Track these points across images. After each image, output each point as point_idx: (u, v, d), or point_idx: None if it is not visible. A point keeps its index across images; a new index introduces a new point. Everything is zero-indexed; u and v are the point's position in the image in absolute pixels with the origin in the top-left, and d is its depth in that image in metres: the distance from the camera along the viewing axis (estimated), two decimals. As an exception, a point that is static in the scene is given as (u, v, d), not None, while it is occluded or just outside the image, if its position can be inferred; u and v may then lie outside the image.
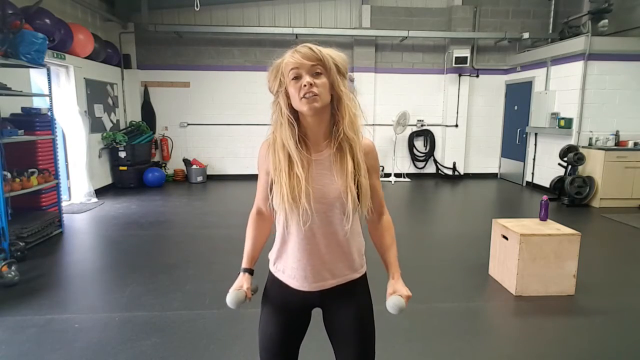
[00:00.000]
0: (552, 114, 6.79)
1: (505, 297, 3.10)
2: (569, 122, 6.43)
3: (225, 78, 7.91)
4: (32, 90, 4.86)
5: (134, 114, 7.76)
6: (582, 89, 6.29)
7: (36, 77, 4.95)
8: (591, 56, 6.18)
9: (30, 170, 4.11)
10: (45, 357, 2.30)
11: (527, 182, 7.67)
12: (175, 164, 8.07)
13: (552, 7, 7.77)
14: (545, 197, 3.29)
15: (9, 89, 4.02)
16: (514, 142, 7.97)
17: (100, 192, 6.45)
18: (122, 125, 7.52)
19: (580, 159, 6.04)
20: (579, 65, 6.30)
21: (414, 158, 8.44)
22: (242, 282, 1.28)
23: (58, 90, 5.63)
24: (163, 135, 8.01)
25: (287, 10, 7.85)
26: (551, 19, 7.82)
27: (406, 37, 7.76)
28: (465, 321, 2.77)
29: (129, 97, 7.69)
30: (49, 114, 4.41)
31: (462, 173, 8.39)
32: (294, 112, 1.17)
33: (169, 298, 3.03)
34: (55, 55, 5.37)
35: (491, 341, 2.58)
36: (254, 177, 1.42)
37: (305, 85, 1.10)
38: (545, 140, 7.15)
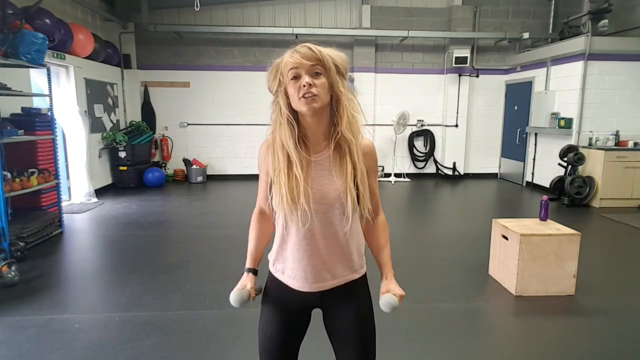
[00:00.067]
0: (552, 114, 6.79)
1: (505, 297, 3.10)
2: (569, 122, 6.43)
3: (225, 78, 7.91)
4: (32, 90, 4.86)
5: (134, 114, 7.77)
6: (582, 89, 6.29)
7: (36, 77, 4.96)
8: (591, 56, 6.18)
9: (30, 170, 4.11)
10: (45, 357, 2.30)
11: (527, 182, 7.67)
12: (175, 164, 8.08)
13: (552, 7, 7.78)
14: (545, 197, 3.29)
15: (9, 89, 4.02)
16: (514, 142, 7.97)
17: (100, 192, 6.45)
18: (122, 125, 7.52)
19: (580, 159, 6.04)
20: (579, 65, 6.30)
21: (414, 158, 8.44)
22: (246, 281, 1.28)
23: (58, 90, 5.63)
24: (163, 135, 8.01)
25: (287, 10, 7.85)
26: (551, 19, 7.82)
27: (406, 37, 7.76)
28: (465, 321, 2.77)
29: (129, 97, 7.69)
30: (49, 114, 4.41)
31: (462, 173, 8.39)
32: (294, 112, 1.16)
33: (169, 298, 3.03)
34: (55, 55, 5.38)
35: (491, 341, 2.58)
36: (254, 177, 1.41)
37: (304, 86, 1.09)
38: (545, 140, 7.15)
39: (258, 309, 1.34)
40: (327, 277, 1.23)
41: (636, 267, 3.79)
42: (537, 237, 3.02)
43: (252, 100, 7.84)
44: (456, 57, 7.67)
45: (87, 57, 6.24)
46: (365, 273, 1.32)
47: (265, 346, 1.29)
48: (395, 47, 8.08)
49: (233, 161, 8.18)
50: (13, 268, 3.23)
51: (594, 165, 6.02)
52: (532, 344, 2.51)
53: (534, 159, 7.46)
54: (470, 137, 8.38)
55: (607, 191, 5.95)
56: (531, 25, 7.94)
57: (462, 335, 2.58)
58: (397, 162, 8.21)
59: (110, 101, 7.12)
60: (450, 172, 8.38)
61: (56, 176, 4.52)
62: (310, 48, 1.11)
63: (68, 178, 6.00)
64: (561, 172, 6.32)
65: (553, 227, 3.17)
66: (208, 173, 8.00)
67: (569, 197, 6.06)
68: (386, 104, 8.12)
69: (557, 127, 6.62)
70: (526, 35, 7.60)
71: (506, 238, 3.20)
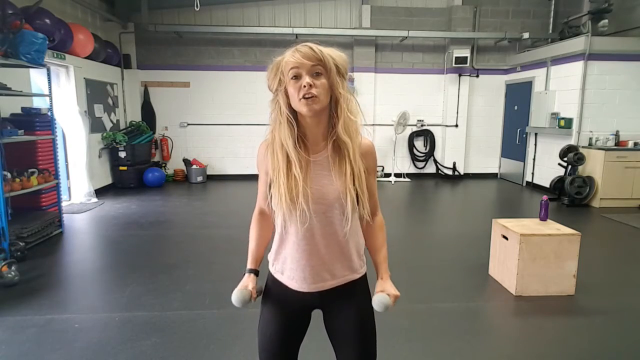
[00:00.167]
0: (552, 114, 6.79)
1: (505, 297, 3.10)
2: (569, 122, 6.43)
3: (225, 78, 7.91)
4: (32, 90, 4.86)
5: (134, 114, 7.77)
6: (582, 89, 6.29)
7: (36, 77, 4.95)
8: (591, 56, 6.18)
9: (30, 170, 4.11)
10: (45, 357, 2.30)
11: (527, 182, 7.67)
12: (175, 164, 8.07)
13: (552, 7, 7.77)
14: (545, 197, 3.29)
15: (9, 89, 4.02)
16: (514, 142, 7.97)
17: (100, 192, 6.45)
18: (122, 125, 7.52)
19: (580, 159, 6.04)
20: (579, 65, 6.30)
21: (414, 158, 8.44)
22: (248, 282, 1.27)
23: (58, 90, 5.63)
24: (163, 135, 8.01)
25: (287, 10, 7.85)
26: (551, 19, 7.82)
27: (406, 37, 7.76)
28: (465, 321, 2.77)
29: (129, 97, 7.69)
30: (49, 114, 4.41)
31: (462, 173, 8.39)
32: (293, 112, 1.16)
33: (169, 298, 3.03)
34: (55, 55, 5.38)
35: (491, 341, 2.58)
36: (254, 177, 1.41)
37: (304, 86, 1.09)
38: (545, 140, 7.15)
39: (258, 309, 1.34)
40: (327, 277, 1.23)
41: (636, 267, 3.79)
42: (537, 237, 3.02)
43: (252, 100, 7.84)
44: (456, 57, 7.67)
45: (87, 57, 6.24)
46: (365, 273, 1.31)
47: (265, 346, 1.29)
48: (395, 47, 8.08)
49: (233, 161, 8.18)
50: (13, 268, 3.23)
51: (594, 165, 6.02)
52: (532, 344, 2.51)
53: (534, 159, 7.46)
54: (470, 137, 8.38)
55: (607, 191, 5.95)
56: (531, 25, 7.94)
57: (462, 335, 2.58)
58: (397, 162, 8.21)
59: (110, 101, 7.12)
60: (450, 172, 8.38)
61: (56, 176, 4.52)
62: (311, 48, 1.11)
63: (68, 178, 6.00)
64: (561, 172, 6.32)
65: (553, 227, 3.17)
66: (208, 173, 8.00)
67: (569, 197, 6.06)
68: (386, 104, 8.12)
69: (557, 127, 6.62)
70: (526, 35, 7.60)
71: (506, 238, 3.20)
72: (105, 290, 3.26)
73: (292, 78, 1.11)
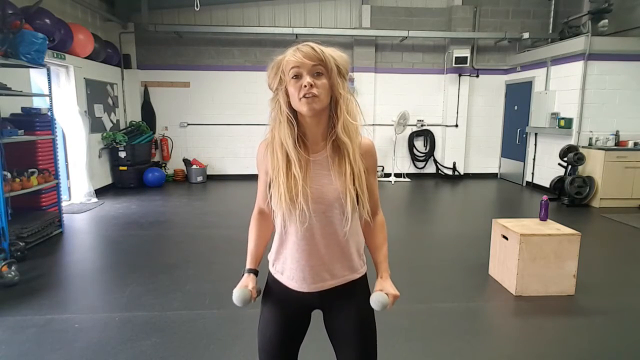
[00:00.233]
0: (552, 114, 6.79)
1: (505, 297, 3.10)
2: (569, 122, 6.43)
3: (225, 78, 7.91)
4: (32, 90, 4.86)
5: (134, 114, 7.77)
6: (582, 89, 6.29)
7: (36, 77, 4.96)
8: (591, 56, 6.18)
9: (30, 170, 4.11)
10: (45, 357, 2.30)
11: (527, 182, 7.67)
12: (175, 164, 8.07)
13: (552, 7, 7.78)
14: (545, 197, 3.29)
15: (9, 89, 4.02)
16: (514, 142, 7.97)
17: (100, 192, 6.45)
18: (122, 125, 7.52)
19: (580, 159, 6.04)
20: (579, 65, 6.30)
21: (414, 158, 8.44)
22: (248, 281, 1.27)
23: (58, 90, 5.63)
24: (163, 135, 8.01)
25: (287, 10, 7.85)
26: (551, 19, 7.82)
27: (406, 37, 7.76)
28: (465, 321, 2.77)
29: (129, 97, 7.69)
30: (49, 114, 4.41)
31: (462, 173, 8.39)
32: (293, 111, 1.16)
33: (169, 298, 3.03)
34: (55, 55, 5.38)
35: (491, 341, 2.58)
36: (254, 177, 1.41)
37: (305, 86, 1.09)
38: (545, 140, 7.15)
39: (258, 309, 1.33)
40: (326, 277, 1.23)
41: (636, 267, 3.79)
42: (537, 237, 3.02)
43: (252, 100, 7.84)
44: (456, 57, 7.67)
45: (87, 57, 6.24)
46: (366, 273, 1.31)
47: (265, 347, 1.28)
48: (395, 47, 8.08)
49: (233, 161, 8.18)
50: (13, 268, 3.23)
51: (594, 165, 6.02)
52: (532, 344, 2.51)
53: (534, 159, 7.46)
54: (470, 137, 8.38)
55: (607, 191, 5.95)
56: (531, 25, 7.94)
57: (462, 335, 2.58)
58: (397, 162, 8.21)
59: (110, 101, 7.12)
60: (450, 172, 8.38)
61: (56, 176, 4.52)
62: (313, 47, 1.10)
63: (68, 178, 6.00)
64: (561, 172, 6.32)
65: (553, 227, 3.17)
66: (208, 173, 8.00)
67: (569, 197, 6.06)
68: (386, 104, 8.12)
69: (557, 127, 6.62)
70: (526, 35, 7.59)
71: (506, 238, 3.20)
72: (105, 290, 3.26)
73: (292, 77, 1.11)
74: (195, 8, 5.85)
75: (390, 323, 2.56)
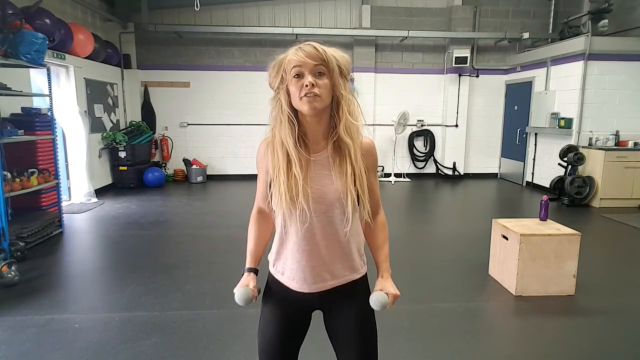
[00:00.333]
0: (552, 114, 6.79)
1: (505, 297, 3.10)
2: (569, 122, 6.43)
3: (225, 78, 7.91)
4: (32, 90, 4.86)
5: (134, 114, 7.76)
6: (582, 89, 6.29)
7: (36, 77, 4.96)
8: (591, 56, 6.18)
9: (30, 170, 4.11)
10: (45, 357, 2.30)
11: (527, 182, 7.67)
12: (175, 164, 8.07)
13: (552, 7, 7.78)
14: (545, 197, 3.29)
15: (9, 89, 4.02)
16: (514, 142, 7.97)
17: (100, 192, 6.45)
18: (122, 125, 7.52)
19: (580, 159, 6.04)
20: (579, 65, 6.30)
21: (414, 158, 8.44)
22: (248, 280, 1.27)
23: (58, 90, 5.63)
24: (163, 135, 8.01)
25: (287, 10, 7.85)
26: (551, 19, 7.82)
27: (406, 37, 7.76)
28: (465, 321, 2.77)
29: (129, 97, 7.69)
30: (49, 114, 4.41)
31: (462, 173, 8.39)
32: (294, 111, 1.15)
33: (169, 298, 3.03)
34: (55, 55, 5.38)
35: (491, 341, 2.58)
36: (254, 177, 1.41)
37: (306, 85, 1.08)
38: (545, 140, 7.15)
39: (258, 309, 1.33)
40: (327, 277, 1.23)
41: (636, 267, 3.79)
42: (537, 237, 3.02)
43: (252, 100, 7.84)
44: (456, 57, 7.67)
45: (87, 57, 6.24)
46: (366, 273, 1.31)
47: (265, 348, 1.28)
48: (395, 47, 8.08)
49: (233, 161, 8.18)
50: (13, 268, 3.23)
51: (594, 165, 6.02)
52: (532, 344, 2.51)
53: (534, 159, 7.46)
54: (470, 137, 8.38)
55: (607, 191, 5.95)
56: (531, 25, 7.94)
57: (462, 335, 2.58)
58: (397, 162, 8.21)
59: (110, 101, 7.12)
60: (450, 172, 8.37)
61: (56, 176, 4.52)
62: (315, 47, 1.10)
63: (68, 178, 6.00)
64: (561, 172, 6.32)
65: (553, 227, 3.17)
66: (208, 173, 8.00)
67: (569, 197, 6.06)
68: (386, 104, 8.12)
69: (557, 127, 6.62)
70: (526, 35, 7.59)
71: (506, 238, 3.20)
72: (105, 290, 3.26)
73: (294, 76, 1.10)
74: (195, 8, 5.85)
75: (390, 323, 2.56)
